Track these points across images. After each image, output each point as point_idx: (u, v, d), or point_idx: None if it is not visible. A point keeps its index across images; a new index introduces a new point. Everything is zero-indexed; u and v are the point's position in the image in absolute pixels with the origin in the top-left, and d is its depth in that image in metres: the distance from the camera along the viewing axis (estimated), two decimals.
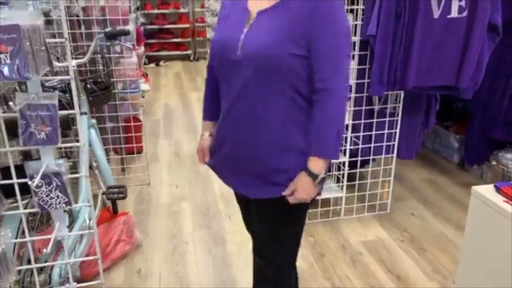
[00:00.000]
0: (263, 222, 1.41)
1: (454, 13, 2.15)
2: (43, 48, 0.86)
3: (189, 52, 7.79)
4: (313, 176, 1.24)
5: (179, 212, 2.73)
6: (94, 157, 2.33)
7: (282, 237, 1.41)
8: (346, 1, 2.21)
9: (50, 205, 0.99)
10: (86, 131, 2.11)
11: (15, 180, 0.99)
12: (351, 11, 2.27)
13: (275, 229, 1.40)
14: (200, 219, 2.65)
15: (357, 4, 2.25)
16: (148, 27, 7.36)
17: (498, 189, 1.47)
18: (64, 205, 1.00)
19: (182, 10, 7.66)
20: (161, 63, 7.42)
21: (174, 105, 5.08)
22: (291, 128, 1.25)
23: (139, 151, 3.27)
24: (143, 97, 4.43)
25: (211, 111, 1.44)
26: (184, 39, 7.73)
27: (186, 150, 3.74)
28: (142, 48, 5.27)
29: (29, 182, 0.95)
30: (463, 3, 2.14)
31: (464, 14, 2.16)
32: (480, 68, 2.28)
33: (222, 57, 1.25)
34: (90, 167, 2.30)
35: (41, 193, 0.97)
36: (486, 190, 1.49)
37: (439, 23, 2.15)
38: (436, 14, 2.14)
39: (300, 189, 1.26)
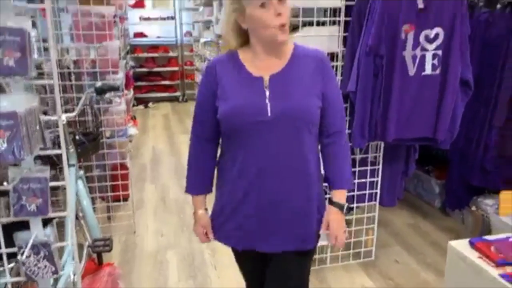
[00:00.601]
0: (290, 275, 1.45)
1: (428, 71, 2.29)
2: (37, 127, 0.91)
3: (178, 93, 7.93)
4: (341, 207, 1.41)
5: (165, 261, 2.72)
6: (80, 208, 2.34)
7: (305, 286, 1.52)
8: None
9: (38, 274, 1.01)
10: (73, 189, 2.13)
11: (3, 250, 1.01)
12: (332, 67, 2.39)
13: (302, 279, 1.50)
14: (185, 269, 2.64)
15: (337, 61, 2.37)
16: (138, 70, 7.51)
17: (473, 245, 1.53)
18: (51, 274, 1.02)
19: (171, 54, 7.87)
20: (150, 104, 7.52)
21: (161, 148, 5.12)
22: (320, 179, 1.45)
23: (126, 198, 3.27)
24: (130, 141, 4.47)
25: (201, 183, 1.46)
26: (173, 82, 7.89)
27: (172, 195, 3.75)
28: (131, 92, 5.37)
29: (18, 256, 0.98)
30: (436, 62, 2.28)
31: (438, 71, 2.29)
32: (456, 120, 2.40)
33: (246, 120, 1.29)
34: (76, 217, 2.30)
35: (29, 263, 0.99)
36: (462, 246, 1.55)
37: (414, 80, 2.28)
38: (412, 72, 2.27)
39: (334, 224, 1.41)
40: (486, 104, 2.73)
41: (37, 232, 1.00)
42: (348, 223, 2.74)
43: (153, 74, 7.77)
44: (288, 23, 1.29)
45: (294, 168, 1.34)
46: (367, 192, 2.62)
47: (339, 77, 2.38)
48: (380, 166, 2.58)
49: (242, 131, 1.32)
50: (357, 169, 2.57)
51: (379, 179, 2.61)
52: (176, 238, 3.01)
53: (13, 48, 0.92)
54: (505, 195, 2.58)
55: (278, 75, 1.33)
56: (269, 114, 1.28)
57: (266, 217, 1.35)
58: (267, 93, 1.30)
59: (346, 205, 1.41)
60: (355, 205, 2.64)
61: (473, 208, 3.07)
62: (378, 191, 2.63)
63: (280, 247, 1.38)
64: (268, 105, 1.28)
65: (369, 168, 2.58)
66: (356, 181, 2.58)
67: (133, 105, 6.70)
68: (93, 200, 2.88)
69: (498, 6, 2.69)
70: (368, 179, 2.59)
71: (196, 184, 1.46)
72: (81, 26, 2.74)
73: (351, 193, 2.59)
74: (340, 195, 1.42)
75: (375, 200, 2.65)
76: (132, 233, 3.04)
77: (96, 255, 2.36)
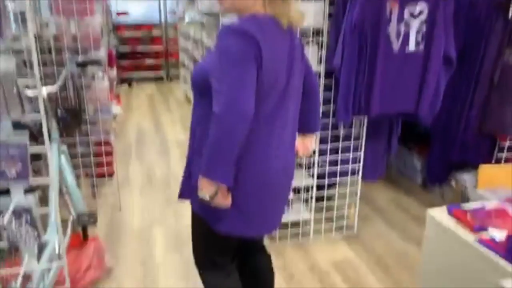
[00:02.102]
0: None
1: (412, 47, 2.31)
2: (15, 92, 0.90)
3: (162, 73, 7.84)
4: None
5: (151, 237, 2.74)
6: (64, 182, 2.33)
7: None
8: (312, 33, 2.32)
9: (20, 239, 1.01)
10: (56, 163, 2.11)
11: None
12: (317, 42, 2.39)
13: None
14: (171, 244, 2.66)
15: (322, 37, 2.37)
16: (121, 49, 7.38)
17: (450, 212, 1.58)
18: (34, 239, 1.02)
19: (155, 33, 7.73)
20: (134, 84, 7.42)
21: (146, 126, 5.08)
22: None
23: (110, 174, 3.26)
24: (114, 119, 4.42)
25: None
26: (157, 61, 7.78)
27: (158, 172, 3.75)
28: (115, 71, 5.28)
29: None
30: (419, 38, 2.30)
31: (421, 48, 2.32)
32: (438, 96, 2.44)
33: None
34: (60, 192, 2.29)
35: (11, 229, 0.99)
36: (440, 213, 1.60)
37: (398, 56, 2.30)
38: (396, 48, 2.29)
39: None
40: (468, 81, 2.77)
41: (18, 197, 1.00)
42: (330, 197, 2.79)
43: (137, 53, 7.65)
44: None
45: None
46: (350, 166, 2.66)
47: (324, 53, 2.38)
48: (363, 141, 2.62)
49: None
50: (340, 144, 2.60)
51: (362, 153, 2.64)
52: (162, 214, 3.03)
53: None
54: (483, 169, 2.65)
55: None
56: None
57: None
58: None
59: None
60: (337, 179, 2.68)
61: (453, 183, 3.15)
62: (361, 165, 2.67)
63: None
64: None
65: (352, 142, 2.62)
66: (339, 155, 2.62)
67: (117, 84, 6.61)
68: (77, 176, 2.86)
69: None
70: (351, 154, 2.63)
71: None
72: (60, 0, 2.67)
73: (334, 167, 2.63)
74: None
75: (358, 175, 2.70)
76: (117, 209, 3.04)
77: (81, 229, 2.36)
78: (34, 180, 1.02)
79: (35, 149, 1.04)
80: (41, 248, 1.71)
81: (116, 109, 4.49)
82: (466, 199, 2.88)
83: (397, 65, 2.33)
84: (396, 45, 2.31)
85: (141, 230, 2.81)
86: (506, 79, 2.67)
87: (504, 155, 2.92)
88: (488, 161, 2.92)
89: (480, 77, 2.73)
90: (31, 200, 1.02)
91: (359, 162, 2.66)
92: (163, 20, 7.79)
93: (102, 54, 2.95)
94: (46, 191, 2.32)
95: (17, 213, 1.00)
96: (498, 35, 2.63)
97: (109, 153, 3.14)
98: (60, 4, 2.67)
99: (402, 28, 2.28)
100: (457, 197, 3.08)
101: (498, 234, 1.41)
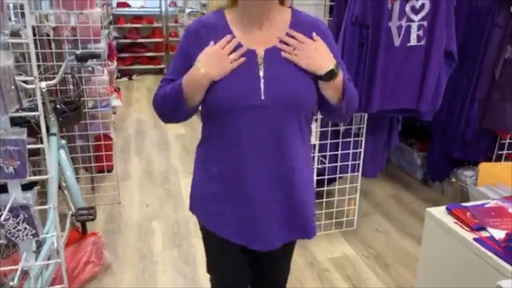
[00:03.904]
0: (282, 262, 1.46)
1: (413, 42, 2.29)
2: (12, 87, 0.89)
3: (162, 66, 7.80)
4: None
5: (150, 231, 2.74)
6: (63, 177, 2.33)
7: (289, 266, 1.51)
8: None
9: (17, 237, 1.00)
10: (55, 158, 2.10)
11: None
12: None
13: (289, 262, 1.50)
14: (170, 239, 2.66)
15: None
16: (121, 41, 7.34)
17: (449, 211, 1.57)
18: (31, 236, 1.02)
19: (155, 25, 7.68)
20: (134, 77, 7.39)
21: (146, 120, 5.07)
22: (308, 160, 1.30)
23: (110, 169, 3.26)
24: (114, 113, 4.41)
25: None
26: (157, 53, 7.74)
27: (157, 167, 3.74)
28: (115, 64, 5.26)
29: None
30: (421, 32, 2.28)
31: (422, 42, 2.29)
32: (439, 92, 2.42)
33: (237, 104, 1.10)
34: (59, 187, 2.29)
35: (8, 226, 0.99)
36: (439, 212, 1.59)
37: (399, 50, 2.28)
38: (397, 42, 2.26)
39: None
40: (469, 77, 2.76)
41: (15, 194, 0.99)
42: (331, 193, 2.79)
43: (137, 45, 7.60)
44: None
45: (285, 153, 1.18)
46: (350, 163, 2.65)
47: None
48: (363, 138, 2.61)
49: (227, 114, 1.12)
50: (340, 140, 2.59)
51: (362, 150, 2.64)
52: (162, 208, 3.03)
53: None
54: (484, 166, 2.64)
55: (273, 49, 1.14)
56: (261, 97, 1.10)
57: (263, 208, 1.22)
58: (261, 72, 1.11)
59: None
60: (337, 175, 2.67)
61: (453, 179, 3.14)
62: (361, 162, 2.67)
63: (280, 240, 1.28)
64: (262, 87, 1.10)
65: (352, 139, 2.61)
66: (339, 152, 2.61)
67: (117, 77, 6.59)
68: (76, 171, 2.86)
69: None
70: (351, 150, 2.62)
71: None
72: None
73: (334, 164, 2.63)
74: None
75: (358, 171, 2.69)
76: (116, 203, 3.04)
77: (80, 224, 2.36)
78: (32, 177, 1.01)
79: (33, 145, 1.03)
80: (39, 245, 1.71)
81: (115, 102, 4.48)
82: (466, 196, 2.88)
83: (398, 60, 2.30)
84: (397, 40, 2.28)
85: (140, 225, 2.81)
86: (508, 75, 2.65)
87: (504, 152, 2.91)
88: (488, 158, 2.91)
89: (481, 72, 2.71)
90: (29, 197, 1.01)
91: (359, 159, 2.66)
92: (163, 11, 7.74)
93: (102, 46, 2.94)
94: (45, 184, 2.32)
95: (15, 211, 0.99)
96: (499, 30, 2.61)
97: (109, 147, 3.14)
98: None
99: (404, 23, 2.26)
100: (457, 194, 3.08)
101: (497, 233, 1.41)
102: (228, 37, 1.12)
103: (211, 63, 1.08)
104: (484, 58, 2.68)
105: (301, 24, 1.19)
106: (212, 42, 1.11)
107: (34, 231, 1.03)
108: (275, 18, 1.17)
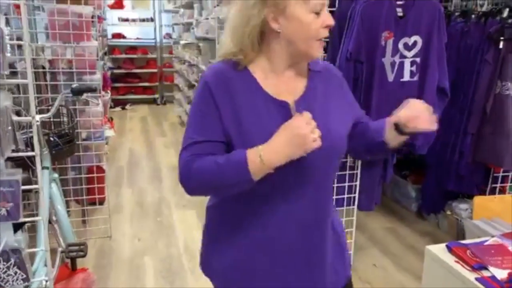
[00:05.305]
0: None
1: (406, 77, 2.33)
2: (9, 127, 0.88)
3: (156, 96, 7.84)
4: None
5: (141, 267, 2.66)
6: (54, 211, 2.27)
7: None
8: None
9: (7, 282, 0.96)
10: (47, 193, 2.06)
11: None
12: None
13: None
14: (163, 274, 2.59)
15: None
16: (115, 71, 7.39)
17: (449, 249, 1.55)
18: (21, 281, 0.98)
19: (150, 56, 7.78)
20: (128, 106, 7.41)
21: (139, 151, 5.04)
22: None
23: (101, 201, 3.19)
24: (107, 143, 4.38)
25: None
26: (151, 83, 7.80)
27: (149, 199, 3.69)
28: (109, 94, 5.27)
29: None
30: (414, 68, 2.32)
31: (415, 78, 2.34)
32: None
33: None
34: (50, 221, 2.23)
35: None
36: (439, 250, 1.57)
37: (393, 86, 2.31)
38: (390, 78, 2.31)
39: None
40: (461, 111, 2.80)
41: (7, 238, 0.96)
42: None
43: (131, 75, 7.67)
44: None
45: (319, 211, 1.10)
46: (346, 196, 2.63)
47: None
48: (359, 171, 2.61)
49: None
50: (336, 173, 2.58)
51: (358, 183, 2.63)
52: (154, 242, 2.96)
53: None
54: (478, 199, 2.64)
55: (303, 99, 1.05)
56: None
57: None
58: None
59: None
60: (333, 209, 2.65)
61: (448, 212, 3.13)
62: (357, 195, 2.65)
63: None
64: None
65: (347, 172, 2.60)
66: (335, 185, 2.59)
67: (110, 107, 6.59)
68: (67, 203, 2.80)
69: (473, 16, 2.77)
70: (347, 184, 2.61)
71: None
72: (58, 25, 2.67)
73: None
74: None
75: (353, 205, 2.67)
76: (108, 237, 2.96)
77: (70, 260, 2.29)
78: (24, 219, 0.98)
79: (28, 186, 1.00)
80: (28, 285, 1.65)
81: (108, 132, 4.46)
82: (461, 230, 2.86)
83: (392, 95, 2.34)
84: (390, 76, 2.32)
85: (132, 260, 2.73)
86: (499, 110, 2.69)
87: (498, 185, 2.92)
88: (483, 191, 2.92)
89: (473, 107, 2.75)
90: (21, 240, 0.97)
91: (355, 192, 2.64)
92: (158, 42, 7.85)
93: (97, 78, 2.94)
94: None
95: (5, 254, 0.95)
96: (489, 66, 2.67)
97: (101, 179, 3.09)
98: (57, 31, 2.66)
99: (397, 59, 2.30)
100: (453, 227, 3.06)
101: (499, 272, 1.39)
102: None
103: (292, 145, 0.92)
104: (476, 93, 2.73)
105: (317, 66, 1.13)
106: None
107: (24, 276, 0.99)
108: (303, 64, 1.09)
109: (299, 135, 0.90)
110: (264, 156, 0.90)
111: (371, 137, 1.17)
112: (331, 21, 1.00)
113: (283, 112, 1.00)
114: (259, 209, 1.03)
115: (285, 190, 1.01)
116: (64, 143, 2.36)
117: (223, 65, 1.04)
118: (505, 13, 2.62)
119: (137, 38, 7.84)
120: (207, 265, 1.18)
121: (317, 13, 0.97)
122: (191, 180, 1.00)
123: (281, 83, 1.04)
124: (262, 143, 0.93)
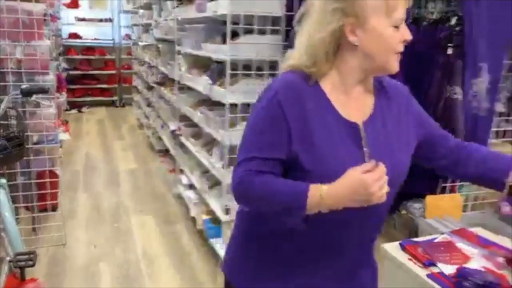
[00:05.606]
0: None
1: None
2: None
3: (114, 98, 7.64)
4: None
5: (97, 273, 2.57)
6: (1, 219, 2.15)
7: None
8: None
9: None
10: None
11: None
12: (273, 75, 2.42)
13: None
14: (119, 281, 2.52)
15: (278, 70, 2.41)
16: (71, 72, 7.14)
17: (403, 247, 1.60)
18: None
19: (108, 57, 7.57)
20: (84, 109, 7.17)
21: (95, 154, 4.88)
22: None
23: (54, 208, 3.06)
24: (61, 147, 4.22)
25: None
26: (109, 85, 7.59)
27: (106, 204, 3.58)
28: (64, 96, 5.08)
29: None
30: None
31: None
32: None
33: None
34: None
35: None
36: (393, 248, 1.62)
37: None
38: None
39: None
40: None
41: None
42: None
43: (88, 77, 7.43)
44: None
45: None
46: None
47: None
48: None
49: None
50: None
51: None
52: (110, 249, 2.87)
53: None
54: (430, 199, 2.76)
55: (371, 121, 1.01)
56: None
57: None
58: (365, 148, 0.97)
59: None
60: None
61: (403, 212, 3.24)
62: None
63: None
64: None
65: None
66: None
67: (66, 109, 6.35)
68: (17, 210, 2.67)
69: (424, 23, 2.89)
70: None
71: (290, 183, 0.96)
72: (6, 23, 2.54)
73: None
74: None
75: None
76: (61, 245, 2.84)
77: (19, 270, 2.18)
78: None
79: None
80: None
81: (63, 136, 4.29)
82: (415, 228, 2.97)
83: None
84: None
85: (87, 267, 2.63)
86: (448, 113, 2.83)
87: (448, 185, 3.06)
88: (434, 191, 3.05)
89: (425, 110, 2.87)
90: None
91: None
92: (116, 43, 7.66)
93: (50, 79, 2.83)
94: None
95: None
96: (438, 71, 2.79)
97: (54, 185, 2.96)
98: (6, 28, 2.54)
99: None
100: (407, 225, 3.17)
101: (447, 268, 1.45)
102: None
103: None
104: (427, 97, 2.85)
105: (389, 85, 1.12)
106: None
107: None
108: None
109: (366, 191, 0.88)
110: (324, 196, 0.90)
111: (489, 171, 1.13)
112: (409, 35, 0.98)
113: (352, 132, 0.98)
114: (315, 255, 1.06)
115: (348, 236, 1.08)
116: (13, 147, 2.24)
117: (295, 77, 0.99)
118: (453, 20, 2.75)
119: (95, 39, 7.61)
120: (235, 272, 1.16)
121: (396, 27, 0.95)
122: (248, 193, 0.98)
123: (350, 100, 1.01)
124: (333, 163, 0.93)
